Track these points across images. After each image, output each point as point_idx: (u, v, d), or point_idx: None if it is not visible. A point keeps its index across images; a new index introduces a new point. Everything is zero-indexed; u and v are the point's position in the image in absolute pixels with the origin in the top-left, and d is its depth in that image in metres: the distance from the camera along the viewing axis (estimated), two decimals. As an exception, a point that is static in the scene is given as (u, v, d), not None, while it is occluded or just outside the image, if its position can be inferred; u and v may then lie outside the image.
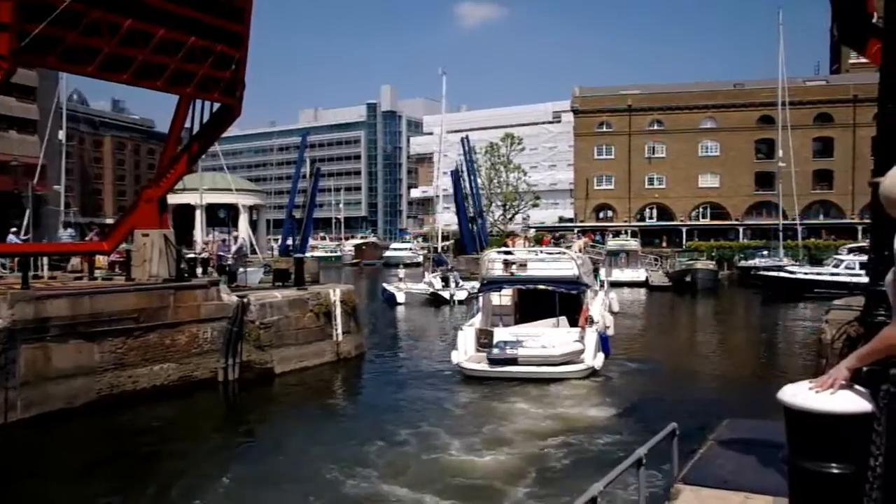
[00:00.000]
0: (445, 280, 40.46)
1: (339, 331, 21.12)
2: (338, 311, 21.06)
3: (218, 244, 22.76)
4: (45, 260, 20.28)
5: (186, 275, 18.75)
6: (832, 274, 43.33)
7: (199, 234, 54.58)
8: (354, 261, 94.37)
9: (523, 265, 21.33)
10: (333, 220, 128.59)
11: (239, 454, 13.45)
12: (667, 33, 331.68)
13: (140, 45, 15.33)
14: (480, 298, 21.18)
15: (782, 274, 45.59)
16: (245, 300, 18.50)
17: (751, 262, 52.35)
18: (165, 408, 16.10)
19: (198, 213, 57.45)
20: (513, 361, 17.95)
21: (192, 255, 23.22)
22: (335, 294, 21.15)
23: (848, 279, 41.77)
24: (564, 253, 23.48)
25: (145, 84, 16.06)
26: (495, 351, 18.12)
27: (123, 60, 15.28)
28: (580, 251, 26.36)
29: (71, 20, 14.04)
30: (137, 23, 15.14)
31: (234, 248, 22.23)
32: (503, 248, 22.82)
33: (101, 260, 20.49)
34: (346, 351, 21.41)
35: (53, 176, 46.81)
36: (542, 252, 24.35)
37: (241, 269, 22.36)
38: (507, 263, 21.27)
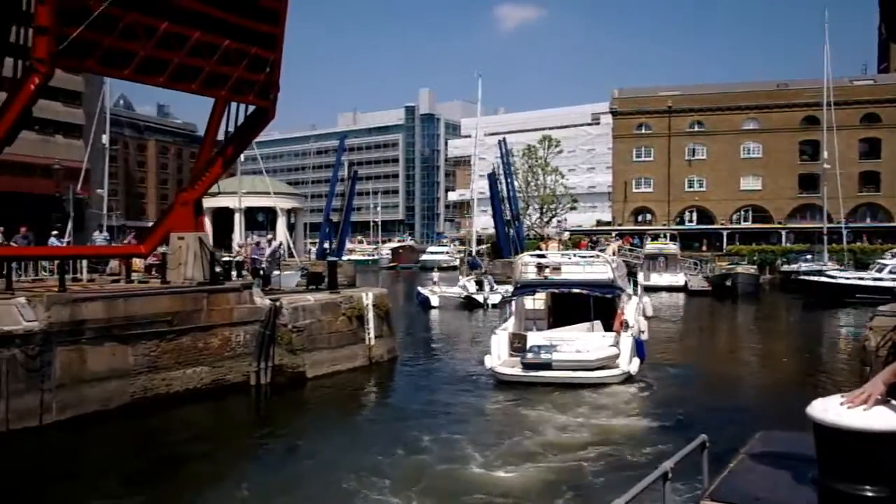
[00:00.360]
0: (479, 283, 40.55)
1: (372, 335, 21.03)
2: (370, 314, 20.97)
3: (252, 247, 22.85)
4: (84, 263, 20.50)
5: (221, 278, 18.80)
6: (875, 279, 42.10)
7: (238, 237, 55.12)
8: (391, 264, 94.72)
9: (557, 269, 21.03)
10: (371, 224, 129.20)
11: (267, 459, 13.40)
12: (709, 34, 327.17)
13: (176, 47, 15.42)
14: (513, 302, 20.91)
15: (823, 279, 44.33)
16: (277, 303, 18.50)
17: (793, 267, 51.07)
18: (198, 411, 16.16)
19: (237, 216, 58.07)
20: (547, 366, 17.71)
21: (227, 259, 23.29)
22: (368, 298, 21.07)
23: (892, 284, 40.48)
24: (599, 256, 23.06)
25: (181, 87, 16.15)
26: (529, 355, 17.89)
27: (159, 63, 15.39)
28: (614, 254, 25.87)
29: (108, 24, 14.16)
30: (173, 26, 15.24)
31: (268, 252, 22.27)
32: (537, 252, 22.45)
33: (137, 263, 20.68)
34: (379, 355, 21.30)
35: (97, 180, 47.75)
36: (574, 255, 23.94)
37: (275, 273, 22.40)
38: (540, 267, 20.99)
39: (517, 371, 18.09)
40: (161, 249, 20.25)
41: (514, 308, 20.87)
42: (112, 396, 15.10)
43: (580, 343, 18.66)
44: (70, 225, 31.48)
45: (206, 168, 18.79)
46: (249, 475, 12.41)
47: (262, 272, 21.91)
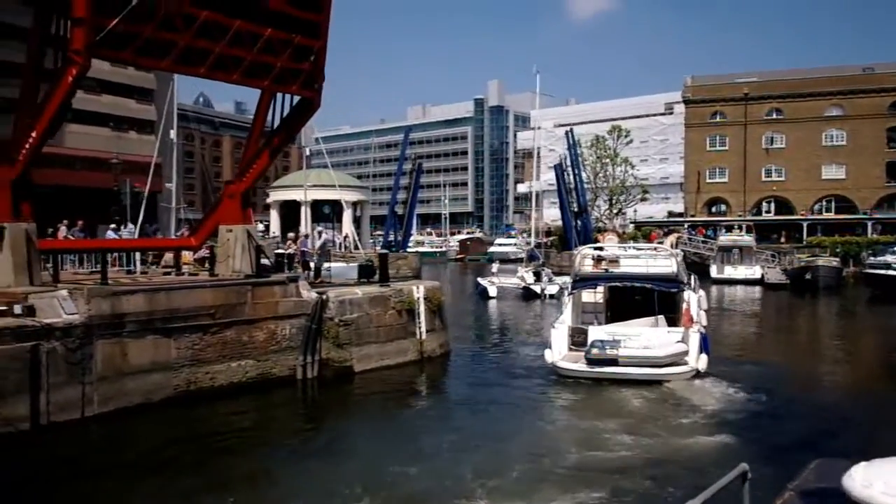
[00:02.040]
0: (537, 275, 41.26)
1: (423, 328, 20.53)
2: (421, 308, 20.47)
3: (301, 240, 22.65)
4: (137, 255, 20.66)
5: (267, 271, 18.60)
6: None
7: (304, 229, 55.59)
8: (459, 256, 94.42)
9: (615, 261, 20.16)
10: (443, 216, 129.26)
11: (310, 455, 13.05)
12: (788, 18, 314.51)
13: (216, 37, 15.18)
14: (567, 295, 20.10)
15: (891, 272, 41.74)
16: (324, 297, 18.18)
17: (878, 259, 47.96)
18: (242, 405, 16.00)
19: (303, 209, 58.56)
20: (613, 362, 17.06)
21: (281, 251, 23.17)
22: (419, 291, 20.56)
23: None
24: (663, 249, 22.00)
25: (221, 77, 15.93)
26: (594, 351, 17.27)
27: (199, 53, 15.20)
28: (673, 247, 24.75)
29: (146, 14, 14.00)
30: (212, 14, 14.99)
31: (318, 244, 22.02)
32: (596, 244, 21.60)
33: (187, 256, 20.73)
34: (430, 349, 20.79)
35: (168, 174, 48.76)
36: (630, 248, 22.97)
37: (325, 265, 22.13)
38: (597, 259, 20.13)
39: (580, 366, 17.52)
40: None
41: (567, 300, 20.07)
42: (155, 389, 15.06)
43: (646, 338, 17.99)
44: (140, 217, 32.06)
45: (254, 160, 18.58)
46: (290, 472, 12.16)
47: (312, 264, 21.66)
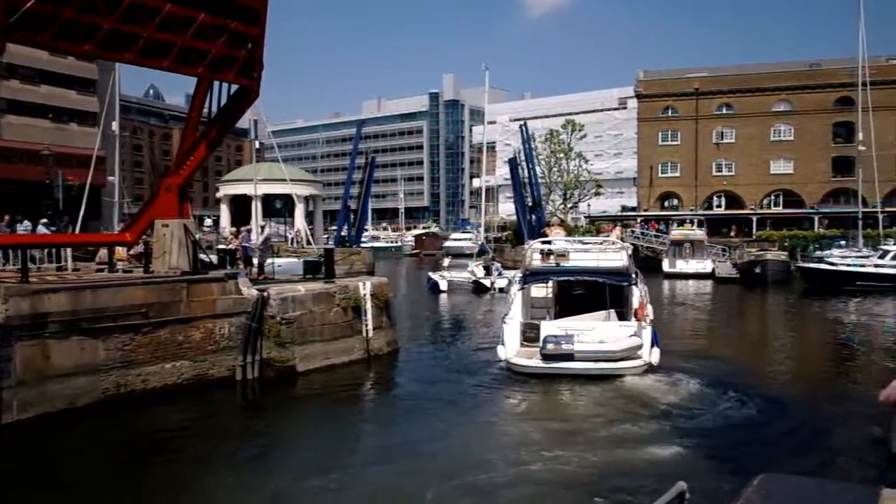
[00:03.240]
0: (487, 269, 42.23)
1: (370, 326, 19.95)
2: (368, 305, 19.88)
3: (243, 234, 21.87)
4: (69, 252, 19.65)
5: (206, 267, 17.84)
6: (876, 266, 40.57)
7: (254, 224, 54.47)
8: (414, 251, 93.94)
9: (563, 255, 19.86)
10: (400, 211, 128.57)
11: (248, 461, 12.39)
12: (738, 14, 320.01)
13: (143, 21, 14.35)
14: (518, 290, 19.75)
15: (823, 266, 43.22)
16: (265, 294, 17.49)
17: (825, 253, 48.91)
18: (178, 408, 15.27)
19: (253, 203, 57.39)
20: (569, 357, 16.77)
21: (222, 247, 22.35)
22: (365, 287, 19.97)
23: (893, 271, 39.24)
24: (614, 242, 21.82)
25: (151, 63, 15.10)
26: (550, 346, 16.90)
27: (126, 38, 14.35)
28: (620, 239, 24.64)
29: (66, -5, 13.15)
30: (139, -2, 14.16)
31: (260, 239, 21.27)
32: (544, 238, 21.30)
33: (120, 252, 19.80)
34: (378, 348, 20.22)
35: (111, 168, 47.20)
36: (577, 241, 22.76)
37: (268, 261, 21.39)
38: (545, 254, 19.81)
39: (536, 362, 17.20)
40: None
41: (513, 295, 19.72)
42: (81, 393, 14.24)
43: (599, 333, 17.76)
44: (81, 211, 30.76)
45: (191, 151, 17.78)
46: (216, 480, 11.51)
47: (255, 260, 20.92)
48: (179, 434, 13.98)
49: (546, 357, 16.95)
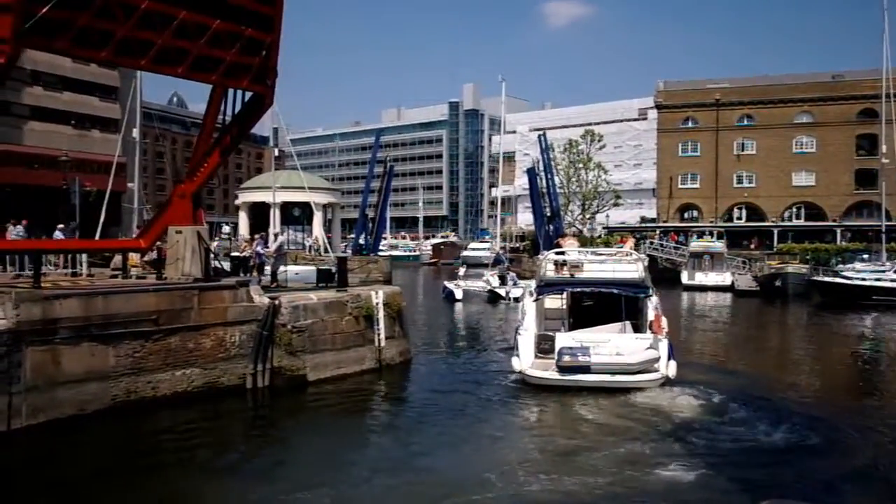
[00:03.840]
0: (502, 278, 42.62)
1: (382, 336, 19.83)
2: (380, 314, 19.77)
3: (257, 242, 21.85)
4: (84, 257, 19.76)
5: (220, 274, 17.82)
6: (892, 280, 40.17)
7: (272, 231, 54.66)
8: (432, 260, 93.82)
9: (576, 266, 19.66)
10: (419, 220, 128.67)
11: (256, 470, 12.38)
12: (760, 25, 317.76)
13: (159, 28, 14.39)
14: (533, 301, 19.56)
15: (838, 280, 42.71)
16: (277, 302, 17.42)
17: (847, 267, 48.23)
18: (187, 416, 15.20)
19: (272, 211, 57.63)
20: (585, 369, 16.64)
21: (236, 255, 22.35)
22: (378, 296, 19.85)
23: None
24: (629, 254, 21.58)
25: (165, 70, 15.14)
26: (566, 358, 16.75)
27: (141, 45, 14.38)
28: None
29: (81, 1, 13.19)
30: (155, 4, 14.20)
31: (273, 247, 21.24)
32: (560, 249, 21.13)
33: (134, 258, 19.86)
34: (390, 357, 20.09)
35: (131, 174, 47.58)
36: (590, 252, 22.56)
37: (282, 269, 21.36)
38: (558, 265, 19.61)
39: (552, 374, 17.05)
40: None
41: (526, 307, 19.51)
42: (91, 399, 14.22)
43: (615, 345, 17.55)
44: (101, 218, 30.96)
45: (204, 158, 17.79)
46: (233, 488, 11.46)
47: (269, 268, 20.90)
48: (188, 442, 13.93)
49: (562, 369, 16.80)
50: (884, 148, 51.44)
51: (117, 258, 20.78)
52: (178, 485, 11.61)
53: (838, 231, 66.87)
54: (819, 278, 44.53)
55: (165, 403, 15.28)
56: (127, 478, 11.82)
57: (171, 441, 13.87)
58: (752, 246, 66.17)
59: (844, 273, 44.42)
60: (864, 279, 41.93)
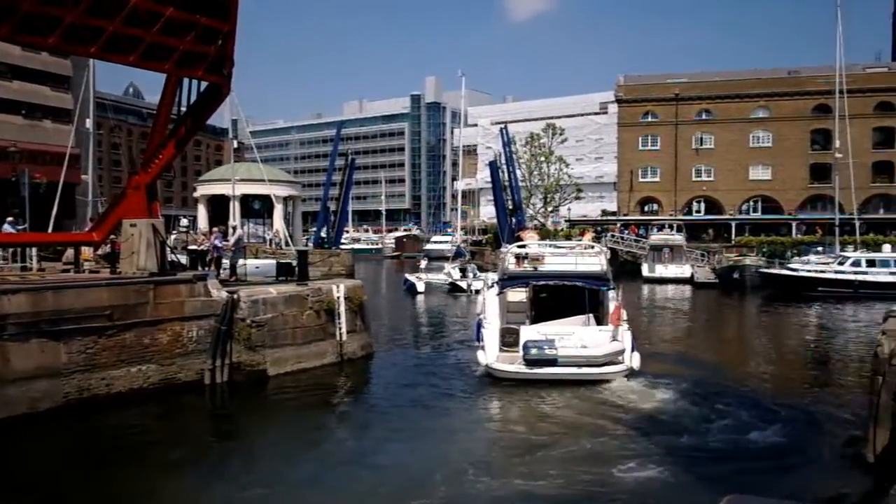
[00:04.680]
0: (463, 271, 43.43)
1: (344, 330, 19.62)
2: (342, 308, 19.56)
3: (215, 235, 21.43)
4: (34, 251, 19.17)
5: (199, 267, 17.42)
6: (837, 272, 41.26)
7: (232, 224, 53.83)
8: (395, 253, 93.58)
9: (537, 259, 19.67)
10: (381, 213, 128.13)
11: (214, 468, 12.11)
12: (719, 21, 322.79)
13: (109, 14, 13.94)
14: (485, 293, 19.56)
15: (784, 271, 43.92)
16: (235, 296, 17.10)
17: (803, 259, 49.28)
18: (143, 413, 14.88)
19: (231, 203, 56.70)
20: (552, 362, 16.65)
21: (193, 248, 21.89)
22: (339, 290, 19.63)
23: (853, 277, 39.89)
24: (592, 246, 21.67)
25: (117, 58, 14.69)
26: (533, 351, 16.71)
27: (91, 32, 13.92)
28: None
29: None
30: (105, -10, 13.75)
31: (232, 240, 20.85)
32: (521, 243, 21.10)
33: (87, 252, 19.33)
34: (351, 351, 19.89)
35: (85, 166, 46.48)
36: (550, 246, 22.63)
37: (241, 262, 20.98)
38: (519, 258, 19.60)
39: (519, 367, 17.02)
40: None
41: (497, 301, 19.44)
42: (41, 397, 13.81)
43: (580, 338, 17.65)
44: (54, 210, 30.12)
45: (159, 150, 17.35)
46: (189, 486, 11.21)
47: (228, 262, 20.51)
48: (143, 440, 13.61)
49: (529, 362, 16.80)
50: (837, 143, 52.48)
51: (69, 252, 20.21)
52: (133, 483, 11.29)
53: (794, 224, 68.23)
54: (767, 270, 45.43)
55: (120, 401, 14.90)
56: (80, 477, 11.54)
57: (126, 438, 13.50)
58: (708, 237, 67.11)
59: (791, 265, 45.52)
60: (808, 271, 42.97)
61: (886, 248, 45.25)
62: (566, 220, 77.28)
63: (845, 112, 50.65)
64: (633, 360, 17.31)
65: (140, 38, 14.52)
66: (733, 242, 64.68)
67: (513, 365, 17.17)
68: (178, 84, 16.94)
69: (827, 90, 57.62)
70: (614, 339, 17.58)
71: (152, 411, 15.08)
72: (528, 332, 17.92)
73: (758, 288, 45.58)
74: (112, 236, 18.61)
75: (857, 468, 10.93)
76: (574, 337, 17.62)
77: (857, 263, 41.91)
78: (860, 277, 40.65)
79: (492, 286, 21.02)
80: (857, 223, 52.60)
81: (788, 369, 21.54)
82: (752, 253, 56.45)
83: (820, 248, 54.30)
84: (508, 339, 18.11)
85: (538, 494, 10.55)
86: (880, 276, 40.79)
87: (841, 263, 42.60)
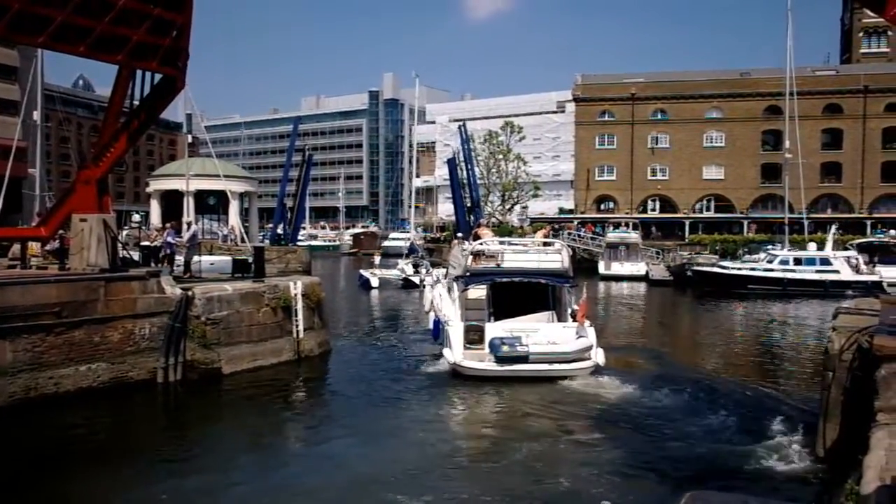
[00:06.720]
0: (416, 267, 44.44)
1: (301, 327, 19.40)
2: (299, 305, 19.33)
3: (168, 230, 21.02)
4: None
5: (152, 264, 17.03)
6: (766, 270, 42.33)
7: (185, 219, 52.92)
8: (353, 250, 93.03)
9: (492, 256, 19.72)
10: (339, 210, 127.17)
11: (165, 469, 11.81)
12: (676, 22, 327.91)
13: (57, 4, 13.54)
14: (443, 291, 19.58)
15: (716, 269, 44.78)
16: (189, 293, 16.78)
17: (753, 257, 50.27)
18: (92, 412, 14.52)
19: (185, 199, 55.73)
20: (523, 359, 16.73)
21: (146, 244, 21.44)
22: (296, 287, 19.40)
23: (781, 275, 40.96)
24: (553, 243, 21.81)
25: (65, 49, 14.27)
26: (504, 348, 16.78)
27: (38, 21, 13.50)
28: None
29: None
30: (55, -21, 13.36)
31: (186, 236, 20.47)
32: (480, 241, 21.07)
33: (33, 247, 18.79)
34: (308, 349, 19.68)
35: (34, 160, 45.23)
36: (510, 243, 22.73)
37: (195, 258, 20.60)
38: (476, 255, 19.60)
39: (489, 365, 17.05)
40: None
41: (461, 298, 19.39)
42: (-14, 397, 13.34)
43: (546, 334, 17.79)
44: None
45: (111, 143, 16.92)
46: (139, 487, 10.88)
47: (181, 258, 20.13)
48: (92, 440, 13.32)
49: (500, 359, 16.83)
50: (787, 143, 53.65)
51: (16, 247, 19.62)
52: (82, 484, 11.03)
53: (746, 223, 69.69)
54: (698, 268, 46.06)
55: (69, 400, 14.54)
56: (27, 478, 11.15)
57: (75, 439, 13.16)
58: (654, 235, 68.24)
59: (721, 263, 46.50)
60: (738, 269, 43.90)
61: (812, 246, 45.92)
62: (528, 218, 77.79)
63: (795, 113, 51.79)
64: (599, 357, 17.53)
65: (91, 27, 14.13)
66: (687, 240, 65.80)
67: (482, 362, 17.19)
68: (130, 76, 16.54)
69: (777, 92, 58.99)
70: (580, 335, 17.72)
71: (103, 411, 14.73)
72: (493, 330, 17.95)
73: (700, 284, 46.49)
74: (61, 231, 18.10)
75: (808, 461, 11.14)
76: (541, 334, 17.76)
77: (785, 262, 42.84)
78: (788, 275, 41.66)
79: (438, 282, 21.05)
80: (806, 222, 53.95)
81: (739, 363, 22.00)
82: (705, 251, 57.49)
83: (770, 247, 55.43)
84: (472, 336, 18.05)
85: (500, 491, 10.54)
86: (806, 273, 41.80)
87: (770, 261, 43.54)
